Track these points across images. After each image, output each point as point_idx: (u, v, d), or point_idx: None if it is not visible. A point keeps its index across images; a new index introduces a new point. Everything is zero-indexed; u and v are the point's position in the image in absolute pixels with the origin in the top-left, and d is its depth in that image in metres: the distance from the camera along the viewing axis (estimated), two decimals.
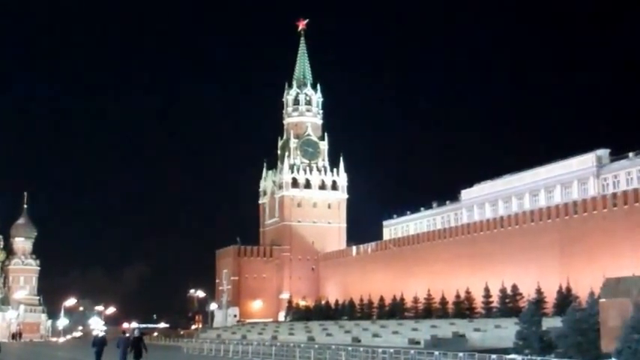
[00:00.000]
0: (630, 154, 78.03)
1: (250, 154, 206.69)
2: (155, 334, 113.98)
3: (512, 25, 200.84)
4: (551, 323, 43.44)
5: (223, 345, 61.95)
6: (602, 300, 37.26)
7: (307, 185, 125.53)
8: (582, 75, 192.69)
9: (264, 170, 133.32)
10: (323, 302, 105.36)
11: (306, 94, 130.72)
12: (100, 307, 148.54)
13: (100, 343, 38.30)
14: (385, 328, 68.01)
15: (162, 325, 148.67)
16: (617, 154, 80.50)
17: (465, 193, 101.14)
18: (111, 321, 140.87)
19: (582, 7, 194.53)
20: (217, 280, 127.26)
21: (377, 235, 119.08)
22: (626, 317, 31.35)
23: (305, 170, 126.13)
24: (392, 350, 41.14)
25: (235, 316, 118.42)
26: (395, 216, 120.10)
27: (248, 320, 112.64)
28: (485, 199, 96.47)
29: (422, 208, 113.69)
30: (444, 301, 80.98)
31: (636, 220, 67.05)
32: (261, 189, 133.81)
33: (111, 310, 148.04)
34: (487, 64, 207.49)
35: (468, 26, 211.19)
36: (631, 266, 53.58)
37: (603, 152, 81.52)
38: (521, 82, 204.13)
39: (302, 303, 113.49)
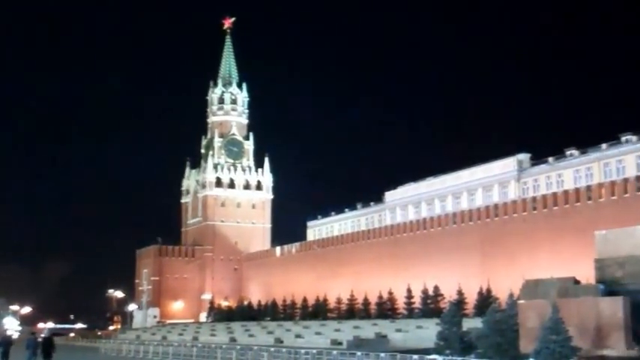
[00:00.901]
0: (550, 159, 79.70)
1: (173, 153, 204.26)
2: (72, 334, 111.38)
3: (439, 26, 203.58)
4: (472, 324, 43.81)
5: (143, 346, 60.85)
6: (521, 301, 37.71)
7: (231, 185, 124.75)
8: (505, 80, 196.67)
9: (187, 169, 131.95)
10: (245, 303, 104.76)
11: (232, 93, 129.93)
12: (15, 307, 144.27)
13: (6, 343, 37.14)
14: (308, 329, 67.72)
15: (80, 325, 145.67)
16: (538, 158, 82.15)
17: (389, 195, 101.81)
18: (26, 321, 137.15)
19: (511, 11, 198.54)
20: (137, 281, 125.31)
21: (301, 236, 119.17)
22: (544, 318, 31.75)
23: (229, 170, 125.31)
24: (314, 351, 40.85)
25: (155, 316, 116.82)
26: (319, 217, 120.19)
27: (168, 321, 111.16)
28: (408, 200, 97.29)
29: (346, 209, 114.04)
30: (366, 302, 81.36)
31: (555, 223, 68.46)
32: (183, 188, 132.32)
33: (27, 309, 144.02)
34: (414, 67, 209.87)
35: (397, 25, 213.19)
36: (549, 268, 54.46)
37: (524, 157, 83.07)
38: (447, 85, 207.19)
39: (224, 304, 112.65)
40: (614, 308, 33.62)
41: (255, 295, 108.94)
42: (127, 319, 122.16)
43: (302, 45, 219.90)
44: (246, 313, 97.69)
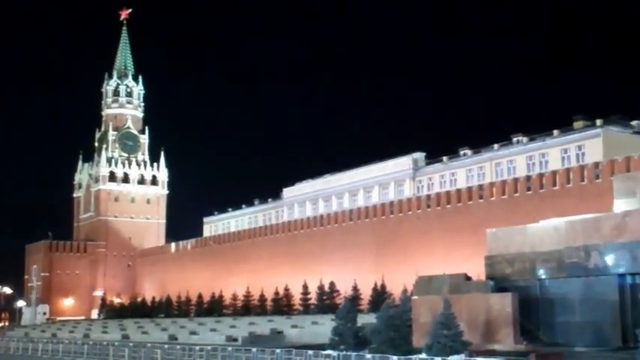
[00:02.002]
0: (444, 158, 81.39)
1: (67, 146, 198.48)
2: None
3: (332, 24, 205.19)
4: (366, 319, 44.29)
5: (32, 344, 59.02)
6: (415, 297, 38.38)
7: (125, 179, 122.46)
8: (403, 81, 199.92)
9: (80, 163, 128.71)
10: (139, 300, 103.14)
11: (127, 86, 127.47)
12: None
13: None
14: (203, 326, 67.13)
15: None
16: (433, 157, 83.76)
17: (287, 192, 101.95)
18: None
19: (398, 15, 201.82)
20: (26, 276, 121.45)
21: (197, 232, 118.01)
22: (436, 313, 32.36)
23: (124, 164, 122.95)
24: (209, 348, 40.55)
25: (45, 313, 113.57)
26: (216, 213, 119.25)
27: (59, 318, 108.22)
28: (306, 197, 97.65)
29: (243, 206, 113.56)
30: (262, 299, 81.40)
31: (448, 221, 69.97)
32: (75, 182, 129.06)
33: None
34: (310, 62, 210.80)
35: (297, 26, 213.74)
36: (442, 265, 55.67)
37: (419, 155, 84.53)
38: (345, 84, 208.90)
39: (117, 300, 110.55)
40: (503, 304, 34.60)
41: (149, 292, 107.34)
42: (15, 316, 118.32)
43: (201, 38, 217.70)
44: (139, 310, 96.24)
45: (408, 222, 74.89)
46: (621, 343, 31.88)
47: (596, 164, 60.57)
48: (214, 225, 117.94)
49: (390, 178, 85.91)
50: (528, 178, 66.12)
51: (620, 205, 36.03)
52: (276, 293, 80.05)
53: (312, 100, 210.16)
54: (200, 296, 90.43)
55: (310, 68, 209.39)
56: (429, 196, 75.32)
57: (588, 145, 67.10)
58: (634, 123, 69.66)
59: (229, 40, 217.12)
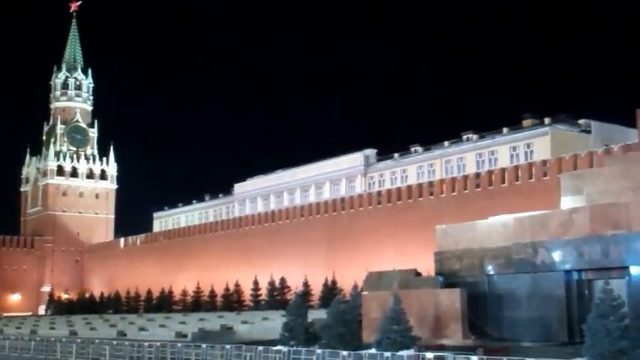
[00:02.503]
0: (395, 155, 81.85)
1: (13, 139, 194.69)
2: None
3: (291, 16, 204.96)
4: (317, 315, 44.43)
5: None
6: (365, 293, 38.58)
7: (74, 174, 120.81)
8: (355, 77, 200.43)
9: (28, 156, 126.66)
10: (87, 295, 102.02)
11: (76, 79, 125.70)
12: None
13: None
14: (152, 322, 66.57)
15: None
16: (384, 154, 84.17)
17: (238, 187, 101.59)
18: None
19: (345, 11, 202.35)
20: None
21: (147, 227, 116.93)
22: (386, 309, 32.57)
23: (72, 158, 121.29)
24: (158, 344, 40.19)
25: None
26: (166, 208, 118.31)
27: (5, 314, 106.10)
28: (257, 193, 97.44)
29: (194, 201, 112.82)
30: (212, 294, 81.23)
31: (399, 217, 70.43)
32: (23, 176, 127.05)
33: None
34: (271, 56, 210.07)
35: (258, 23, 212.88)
36: (393, 261, 56.01)
37: (371, 152, 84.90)
38: (299, 81, 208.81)
39: (65, 296, 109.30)
40: (452, 299, 34.99)
41: (98, 288, 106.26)
42: None
43: (151, 31, 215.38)
44: (87, 306, 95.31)
45: (359, 218, 75.19)
46: (567, 338, 32.43)
47: (544, 162, 61.48)
48: (164, 220, 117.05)
49: (341, 175, 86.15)
50: (478, 175, 66.84)
51: (567, 203, 36.63)
52: (227, 289, 79.97)
53: (265, 95, 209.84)
54: (149, 292, 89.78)
55: (272, 64, 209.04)
56: (379, 193, 75.71)
57: (536, 143, 68.08)
58: (581, 122, 70.87)
59: (182, 35, 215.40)
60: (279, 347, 33.66)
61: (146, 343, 40.54)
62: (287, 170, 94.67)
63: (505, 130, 71.75)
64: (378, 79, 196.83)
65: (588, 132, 69.25)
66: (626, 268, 31.58)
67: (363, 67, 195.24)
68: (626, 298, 29.92)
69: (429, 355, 27.43)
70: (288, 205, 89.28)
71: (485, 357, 26.22)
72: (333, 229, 77.31)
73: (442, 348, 30.17)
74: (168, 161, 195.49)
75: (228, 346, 35.45)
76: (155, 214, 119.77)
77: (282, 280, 74.23)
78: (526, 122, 71.23)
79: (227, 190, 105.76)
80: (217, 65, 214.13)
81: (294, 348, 33.26)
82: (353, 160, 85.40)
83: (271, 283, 74.59)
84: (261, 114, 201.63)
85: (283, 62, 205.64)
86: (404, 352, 29.21)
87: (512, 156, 69.32)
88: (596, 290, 29.37)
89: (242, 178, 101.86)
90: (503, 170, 64.61)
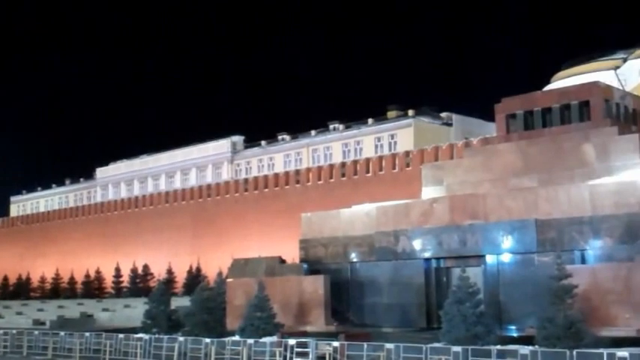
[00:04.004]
0: (263, 143, 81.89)
1: None
2: None
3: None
4: (181, 303, 44.09)
5: None
6: (230, 280, 38.59)
7: None
8: (222, 65, 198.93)
9: None
10: None
11: None
12: None
13: None
14: (8, 309, 64.38)
15: None
16: (251, 141, 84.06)
17: (101, 172, 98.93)
18: None
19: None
20: None
21: (3, 212, 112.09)
22: (251, 296, 32.67)
23: None
24: (14, 331, 38.83)
25: None
26: (24, 192, 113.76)
27: None
28: (121, 178, 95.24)
29: (54, 185, 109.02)
30: (72, 281, 79.46)
31: (265, 204, 70.62)
32: None
33: None
34: (137, 40, 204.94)
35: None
36: (259, 248, 56.21)
37: (238, 139, 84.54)
38: (171, 65, 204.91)
39: None
40: (315, 286, 35.54)
41: None
42: None
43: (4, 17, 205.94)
44: None
45: (225, 205, 74.89)
46: (426, 324, 33.57)
47: (407, 153, 63.08)
48: (22, 205, 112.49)
49: (208, 161, 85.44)
50: (343, 164, 67.85)
51: (428, 193, 37.84)
52: (87, 276, 78.35)
53: (131, 77, 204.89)
54: (6, 278, 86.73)
55: (136, 47, 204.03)
56: (246, 180, 75.64)
57: (400, 134, 69.76)
58: (443, 115, 73.10)
59: (35, 12, 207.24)
60: (140, 335, 33.15)
61: (1, 331, 39.07)
62: (152, 155, 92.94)
63: (370, 120, 73.10)
64: (250, 67, 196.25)
65: (450, 125, 71.61)
66: (483, 256, 32.99)
67: (231, 55, 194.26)
68: (482, 285, 31.29)
69: (292, 341, 27.68)
70: (152, 190, 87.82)
71: (346, 343, 26.70)
72: (198, 216, 76.69)
73: (305, 334, 30.53)
74: (26, 144, 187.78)
75: (87, 334, 34.72)
76: (13, 198, 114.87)
77: (146, 267, 73.25)
78: (391, 114, 72.85)
79: (89, 175, 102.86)
80: (76, 44, 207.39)
81: (156, 336, 32.86)
82: (220, 147, 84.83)
83: (134, 270, 73.48)
84: (127, 95, 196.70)
85: (154, 47, 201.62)
86: (267, 339, 29.37)
87: (377, 146, 70.70)
88: (453, 278, 30.46)
89: (105, 163, 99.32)
90: (367, 160, 65.85)
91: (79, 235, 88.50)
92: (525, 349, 23.68)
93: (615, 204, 29.63)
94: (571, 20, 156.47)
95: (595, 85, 36.95)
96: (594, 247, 29.47)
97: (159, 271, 67.68)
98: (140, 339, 32.20)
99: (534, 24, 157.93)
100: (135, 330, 35.45)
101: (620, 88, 48.19)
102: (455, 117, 72.22)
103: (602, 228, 29.65)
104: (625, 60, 62.88)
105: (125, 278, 74.67)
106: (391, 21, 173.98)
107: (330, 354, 26.36)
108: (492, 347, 24.34)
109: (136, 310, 49.76)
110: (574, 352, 22.40)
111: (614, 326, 26.26)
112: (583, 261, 29.60)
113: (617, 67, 62.51)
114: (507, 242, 31.91)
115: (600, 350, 22.30)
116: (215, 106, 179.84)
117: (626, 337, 25.11)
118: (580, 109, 35.56)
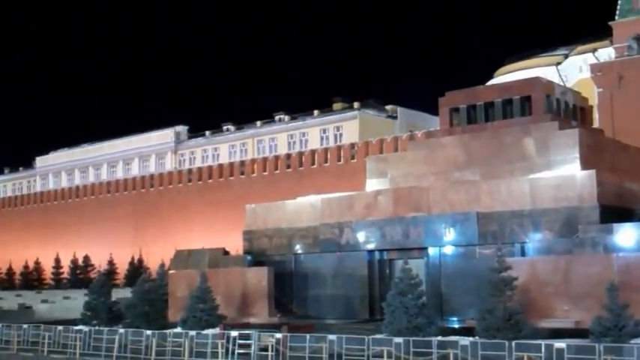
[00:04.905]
0: (207, 133, 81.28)
1: None
2: None
3: None
4: (122, 294, 43.60)
5: None
6: (172, 271, 38.23)
7: None
8: (155, 55, 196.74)
9: None
10: None
11: None
12: None
13: None
14: None
15: None
16: (196, 131, 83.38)
17: (40, 161, 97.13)
18: None
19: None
20: None
21: None
22: (193, 288, 32.43)
23: None
24: None
25: None
26: None
27: None
28: (61, 167, 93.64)
29: None
30: (10, 272, 78.02)
31: (209, 195, 70.21)
32: None
33: None
34: (81, 29, 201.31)
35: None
36: (202, 239, 55.88)
37: (182, 129, 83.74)
38: (123, 56, 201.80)
39: None
40: (259, 278, 35.41)
41: None
42: None
43: None
44: None
45: (168, 196, 74.21)
46: (369, 315, 33.74)
47: (352, 145, 63.33)
48: None
49: (151, 151, 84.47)
50: (289, 156, 67.78)
51: (372, 185, 37.97)
52: (26, 267, 76.93)
53: (72, 65, 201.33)
54: None
55: (78, 36, 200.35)
56: (190, 170, 75.07)
57: (346, 126, 69.95)
58: (388, 108, 73.51)
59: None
60: (80, 327, 32.69)
61: None
62: (93, 144, 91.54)
63: (316, 112, 73.11)
64: (194, 56, 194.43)
65: (394, 117, 72.08)
66: (425, 248, 33.26)
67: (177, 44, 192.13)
68: (424, 277, 31.56)
69: (234, 333, 27.55)
70: (94, 180, 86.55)
71: (288, 334, 26.67)
72: (141, 206, 75.87)
73: (248, 326, 30.41)
74: None
75: (25, 326, 34.14)
76: None
77: (86, 258, 72.25)
78: (336, 106, 72.99)
79: (28, 164, 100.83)
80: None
81: (97, 328, 32.44)
82: (163, 137, 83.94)
83: (74, 262, 72.39)
84: (67, 83, 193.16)
85: (100, 32, 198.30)
86: (209, 331, 29.20)
87: (322, 138, 70.79)
88: (396, 270, 30.62)
89: (45, 151, 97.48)
90: (313, 152, 65.90)
91: (17, 225, 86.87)
92: (465, 340, 23.98)
93: (555, 198, 30.11)
94: (516, 15, 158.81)
95: (537, 80, 37.48)
96: (534, 239, 29.88)
97: (100, 263, 66.85)
98: (80, 331, 31.74)
99: (480, 18, 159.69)
100: (75, 322, 34.96)
101: (562, 83, 48.93)
102: (400, 110, 72.69)
103: (541, 221, 30.10)
104: (566, 56, 64.10)
105: (65, 269, 73.56)
106: (336, 13, 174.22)
107: (272, 345, 26.31)
108: (433, 338, 24.58)
109: (75, 302, 49.14)
110: (513, 343, 22.75)
111: (553, 318, 26.69)
112: (523, 254, 30.00)
113: (558, 63, 63.65)
114: (449, 235, 32.20)
115: (539, 341, 22.69)
116: (159, 95, 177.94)
117: (564, 328, 25.55)
118: (522, 104, 36.02)
